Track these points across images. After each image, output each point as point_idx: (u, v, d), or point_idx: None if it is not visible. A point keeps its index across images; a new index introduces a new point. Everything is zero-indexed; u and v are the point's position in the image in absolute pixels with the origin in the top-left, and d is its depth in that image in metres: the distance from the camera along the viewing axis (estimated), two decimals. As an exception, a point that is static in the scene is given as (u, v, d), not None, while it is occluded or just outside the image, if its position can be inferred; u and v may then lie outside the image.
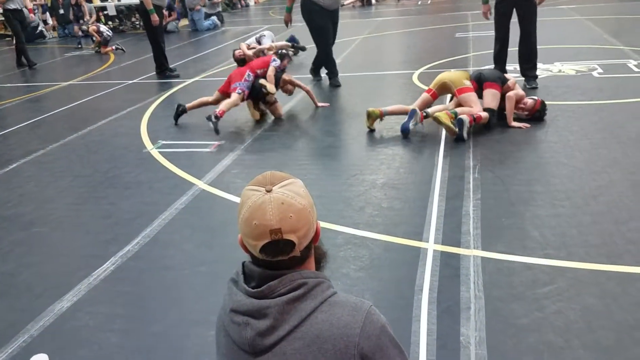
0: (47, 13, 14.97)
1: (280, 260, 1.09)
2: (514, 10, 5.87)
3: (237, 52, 7.72)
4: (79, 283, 2.92)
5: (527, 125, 4.71)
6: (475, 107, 4.68)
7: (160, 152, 4.88)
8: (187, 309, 2.66)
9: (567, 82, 5.94)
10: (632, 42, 7.58)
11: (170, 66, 8.30)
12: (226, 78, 5.71)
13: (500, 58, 6.14)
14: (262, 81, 5.44)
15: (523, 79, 5.99)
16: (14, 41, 10.13)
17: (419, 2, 15.15)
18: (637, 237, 2.88)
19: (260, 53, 7.80)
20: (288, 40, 8.39)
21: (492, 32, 6.28)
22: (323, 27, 6.59)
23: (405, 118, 4.80)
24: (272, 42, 8.20)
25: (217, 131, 5.21)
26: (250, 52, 7.49)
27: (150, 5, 7.64)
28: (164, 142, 5.16)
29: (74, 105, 6.98)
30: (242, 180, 4.15)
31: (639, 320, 2.28)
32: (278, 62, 5.61)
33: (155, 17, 7.67)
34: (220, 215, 3.67)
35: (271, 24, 13.41)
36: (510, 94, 4.75)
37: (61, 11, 13.63)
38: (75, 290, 2.86)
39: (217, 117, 5.21)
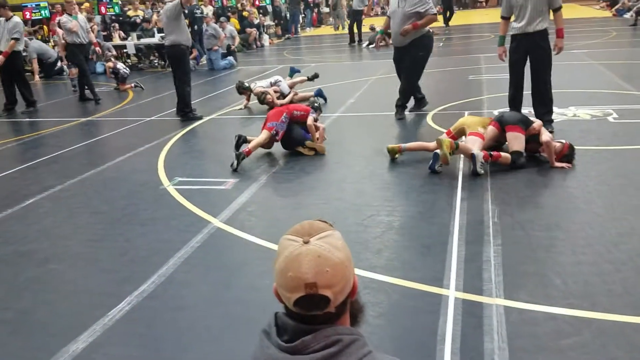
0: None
1: (314, 315, 1.06)
2: (528, 56, 5.93)
3: (267, 97, 8.00)
4: (94, 323, 2.89)
5: (570, 165, 4.71)
6: (474, 147, 4.75)
7: (176, 189, 4.90)
8: (202, 353, 2.62)
9: (583, 127, 5.94)
10: (646, 87, 7.61)
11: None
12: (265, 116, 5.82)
13: (514, 102, 6.17)
14: (308, 143, 5.67)
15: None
16: (78, 75, 10.19)
17: (441, 44, 15.37)
18: (663, 287, 2.82)
19: (280, 96, 8.13)
20: (316, 94, 8.47)
21: (506, 75, 6.33)
22: (393, 61, 7.18)
23: (424, 155, 4.97)
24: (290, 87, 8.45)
25: (236, 169, 5.22)
26: (278, 102, 7.98)
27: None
28: (181, 178, 5.19)
29: (91, 141, 7.07)
30: (257, 219, 4.15)
31: (669, 377, 2.21)
32: (315, 114, 5.81)
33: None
34: (236, 255, 3.65)
35: (285, 64, 13.64)
36: (545, 139, 4.76)
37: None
38: (90, 330, 2.83)
39: (244, 156, 5.27)
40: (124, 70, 11.23)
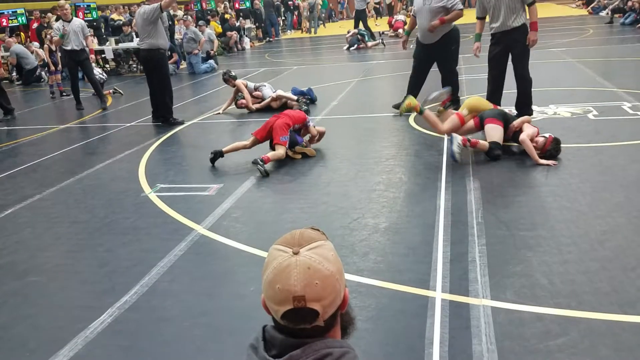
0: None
1: (303, 328, 1.03)
2: (508, 52, 5.97)
3: (240, 101, 8.09)
4: (75, 337, 2.81)
5: (554, 162, 4.71)
6: (444, 124, 5.19)
7: (158, 196, 4.83)
8: (188, 364, 2.56)
9: (564, 125, 5.98)
10: (623, 84, 7.70)
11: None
12: (262, 123, 5.70)
13: (493, 98, 6.20)
14: (297, 148, 5.65)
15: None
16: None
17: (411, 46, 15.42)
18: (648, 284, 2.83)
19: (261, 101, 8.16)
20: (306, 92, 8.40)
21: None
22: (414, 57, 7.30)
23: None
24: (273, 91, 8.31)
25: (267, 173, 5.18)
26: (253, 107, 8.17)
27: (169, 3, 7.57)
28: (162, 185, 5.11)
29: (70, 148, 6.95)
30: (242, 225, 4.09)
31: (658, 374, 2.21)
32: (312, 122, 5.87)
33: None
34: (220, 262, 3.60)
35: (267, 67, 13.59)
36: (522, 137, 4.83)
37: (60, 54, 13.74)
38: (71, 344, 2.76)
39: (263, 161, 5.20)
40: (101, 76, 11.07)
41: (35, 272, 3.64)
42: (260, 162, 5.17)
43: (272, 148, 5.52)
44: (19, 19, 16.04)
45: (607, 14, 17.17)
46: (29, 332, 2.94)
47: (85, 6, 16.76)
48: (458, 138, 4.91)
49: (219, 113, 8.33)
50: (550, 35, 13.95)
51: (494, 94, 6.19)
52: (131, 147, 6.65)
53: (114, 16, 17.35)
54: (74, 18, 9.75)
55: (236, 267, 3.50)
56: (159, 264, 3.54)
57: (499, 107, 5.24)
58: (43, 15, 16.48)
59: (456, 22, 6.93)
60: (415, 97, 6.96)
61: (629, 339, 2.43)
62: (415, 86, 7.22)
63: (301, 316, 1.01)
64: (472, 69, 9.82)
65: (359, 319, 2.72)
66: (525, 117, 5.23)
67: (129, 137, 7.31)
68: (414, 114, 6.99)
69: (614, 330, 2.50)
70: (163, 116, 7.82)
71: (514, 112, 6.10)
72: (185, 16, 14.86)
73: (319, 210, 4.26)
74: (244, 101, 8.23)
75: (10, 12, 15.86)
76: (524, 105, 6.10)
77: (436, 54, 7.00)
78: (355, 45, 15.94)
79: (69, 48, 9.29)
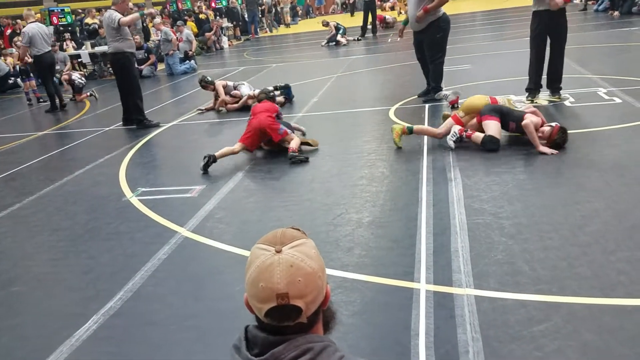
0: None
1: (286, 326, 1.04)
2: (547, 29, 6.32)
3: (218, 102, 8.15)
4: (61, 345, 2.79)
5: (555, 151, 4.70)
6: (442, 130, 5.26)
7: (140, 200, 4.79)
8: (176, 367, 2.56)
9: (542, 112, 6.02)
10: (599, 70, 7.81)
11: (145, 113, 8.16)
12: (246, 128, 5.61)
13: (535, 73, 6.51)
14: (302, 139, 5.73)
15: (548, 91, 6.58)
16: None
17: (389, 40, 15.48)
18: (627, 267, 2.88)
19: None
20: (286, 90, 8.39)
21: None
22: (413, 44, 7.43)
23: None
24: (252, 90, 8.28)
25: (307, 159, 5.33)
26: (229, 107, 8.21)
27: (132, 20, 7.66)
28: (144, 189, 5.07)
29: (49, 155, 6.86)
30: (226, 225, 4.09)
31: (638, 354, 2.26)
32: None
33: (149, 11, 7.77)
34: (205, 264, 3.59)
35: (246, 65, 13.54)
36: (525, 122, 4.84)
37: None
38: (57, 353, 2.73)
39: (295, 153, 5.33)
40: (80, 80, 10.95)
41: (19, 282, 3.60)
42: (296, 156, 5.30)
43: (273, 145, 5.65)
44: (-8, 25, 15.77)
45: (581, 1, 17.36)
46: (14, 342, 2.91)
47: (60, 10, 16.53)
48: (456, 127, 5.05)
49: (201, 110, 8.33)
50: (525, 24, 14.07)
51: (538, 71, 6.49)
52: (111, 151, 6.59)
53: (88, 20, 17.15)
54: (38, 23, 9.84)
55: (221, 267, 3.50)
56: (143, 269, 3.52)
57: (497, 101, 5.27)
58: (14, 22, 16.23)
59: (450, 13, 7.06)
60: (427, 80, 7.29)
61: (611, 322, 2.48)
62: (424, 71, 7.41)
63: (285, 313, 1.02)
64: (451, 61, 9.88)
65: (345, 314, 2.75)
66: (532, 109, 5.23)
67: (108, 141, 7.24)
68: (394, 107, 7.04)
69: (595, 314, 2.55)
70: (137, 119, 7.79)
71: (516, 98, 6.10)
72: (157, 18, 14.76)
73: (302, 207, 4.27)
74: (218, 102, 8.26)
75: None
76: (558, 82, 6.50)
77: (423, 40, 7.11)
78: (334, 42, 15.95)
79: (34, 53, 9.40)
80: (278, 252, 1.03)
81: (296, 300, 1.01)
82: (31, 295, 3.43)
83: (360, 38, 16.34)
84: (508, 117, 5.06)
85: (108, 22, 7.49)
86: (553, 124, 4.89)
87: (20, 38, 12.33)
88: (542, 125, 4.91)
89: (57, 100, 9.85)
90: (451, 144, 5.04)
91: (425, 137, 5.51)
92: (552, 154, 4.68)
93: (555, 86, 6.53)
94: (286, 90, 8.26)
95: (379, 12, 19.43)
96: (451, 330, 2.52)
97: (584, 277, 2.84)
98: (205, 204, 4.51)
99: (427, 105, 6.93)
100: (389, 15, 19.75)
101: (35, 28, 9.47)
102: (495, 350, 2.37)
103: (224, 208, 4.42)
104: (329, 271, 3.18)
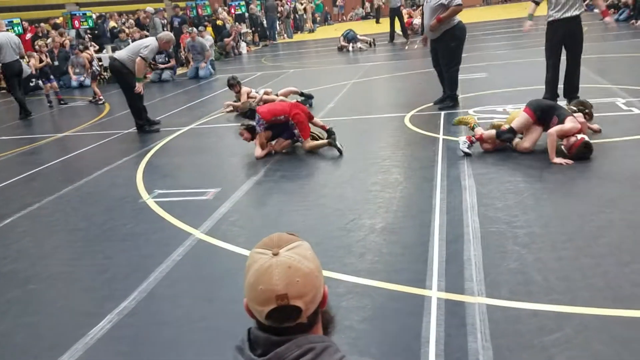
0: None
1: (287, 327, 1.06)
2: (564, 38, 6.30)
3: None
4: (76, 343, 2.84)
5: (570, 161, 4.61)
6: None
7: (156, 202, 4.86)
8: (187, 368, 2.59)
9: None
10: (617, 80, 7.74)
11: (156, 119, 8.22)
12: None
13: (552, 83, 6.52)
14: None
15: (565, 100, 6.44)
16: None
17: (406, 47, 15.48)
18: (641, 279, 2.86)
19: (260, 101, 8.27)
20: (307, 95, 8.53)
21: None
22: (430, 51, 7.44)
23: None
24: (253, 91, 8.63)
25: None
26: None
27: (140, 74, 7.67)
28: (160, 191, 5.14)
29: (69, 156, 6.98)
30: (240, 229, 4.12)
31: (651, 367, 2.24)
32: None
33: (139, 88, 7.62)
34: (218, 266, 3.62)
35: (264, 71, 13.63)
36: (551, 131, 4.75)
37: (56, 63, 13.78)
38: (71, 350, 2.78)
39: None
40: (96, 67, 11.21)
41: (36, 280, 3.67)
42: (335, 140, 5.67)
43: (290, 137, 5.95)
44: (15, 28, 16.07)
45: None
46: (30, 340, 2.97)
47: (82, 14, 16.80)
48: (462, 138, 5.04)
49: (226, 110, 8.54)
50: (541, 33, 13.96)
51: (554, 78, 6.50)
52: (129, 154, 6.68)
53: (112, 24, 17.45)
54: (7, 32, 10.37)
55: (235, 270, 3.53)
56: (157, 270, 3.56)
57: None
58: (37, 25, 16.54)
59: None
60: (443, 87, 7.28)
61: (622, 334, 2.46)
62: (441, 78, 7.41)
63: (285, 314, 1.04)
64: (467, 69, 9.86)
65: (356, 320, 2.76)
66: (578, 116, 5.06)
67: (126, 144, 7.34)
68: (409, 114, 7.04)
69: (607, 325, 2.53)
70: (137, 123, 7.90)
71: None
72: (190, 28, 14.96)
73: (316, 212, 4.29)
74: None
75: (7, 22, 15.89)
76: (576, 92, 6.48)
77: (438, 48, 7.12)
78: (352, 47, 16.03)
79: (7, 61, 9.78)
80: (275, 254, 1.06)
81: (296, 300, 1.03)
82: (47, 293, 3.50)
83: (370, 44, 16.34)
84: (553, 111, 4.90)
85: (142, 44, 7.61)
86: (580, 136, 4.72)
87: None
88: (574, 134, 4.73)
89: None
90: (467, 150, 5.04)
91: (440, 144, 5.52)
92: (566, 164, 4.60)
93: (572, 96, 6.49)
94: (308, 100, 8.36)
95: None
96: (462, 339, 2.52)
97: (597, 288, 2.82)
98: (220, 206, 4.56)
99: (442, 113, 6.92)
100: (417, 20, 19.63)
101: (4, 37, 9.89)
102: (506, 359, 2.36)
103: (238, 211, 4.46)
104: (340, 276, 3.21)
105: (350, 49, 15.98)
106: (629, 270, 2.95)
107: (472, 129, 5.25)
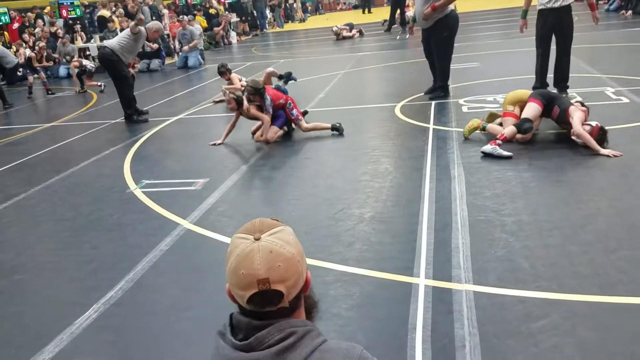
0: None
1: (268, 311, 1.06)
2: (554, 27, 6.33)
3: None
4: (61, 333, 2.81)
5: (618, 153, 4.42)
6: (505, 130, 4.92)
7: (143, 192, 4.82)
8: (174, 359, 2.57)
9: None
10: (607, 69, 7.76)
11: (144, 108, 8.14)
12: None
13: (541, 72, 6.57)
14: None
15: (555, 89, 6.44)
16: None
17: (398, 37, 15.44)
18: (627, 266, 2.87)
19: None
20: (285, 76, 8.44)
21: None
22: (422, 41, 7.34)
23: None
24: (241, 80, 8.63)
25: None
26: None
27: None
28: (148, 181, 5.10)
29: (56, 146, 6.90)
30: (229, 219, 4.10)
31: (635, 353, 2.25)
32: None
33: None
34: (206, 256, 3.60)
35: (254, 60, 13.55)
36: (579, 130, 4.57)
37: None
38: (56, 340, 2.76)
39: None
40: (91, 65, 11.02)
41: (21, 270, 3.63)
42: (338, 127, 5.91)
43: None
44: (2, 18, 15.86)
45: (593, 0, 17.21)
46: (15, 330, 2.94)
47: (69, 3, 16.60)
48: (488, 147, 4.74)
49: (215, 101, 8.51)
50: (532, 23, 13.97)
51: (543, 68, 6.54)
52: (116, 144, 6.62)
53: (102, 12, 17.20)
54: None
55: (222, 260, 3.44)
56: (144, 260, 3.54)
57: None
58: (23, 15, 16.32)
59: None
60: (434, 77, 7.21)
61: (609, 320, 2.47)
62: (432, 68, 7.35)
63: (267, 298, 1.04)
64: (457, 59, 9.84)
65: (344, 307, 2.75)
66: (578, 99, 5.11)
67: (114, 133, 7.27)
68: (400, 104, 7.02)
69: (593, 312, 2.54)
70: (125, 112, 7.82)
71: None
72: (181, 16, 14.85)
73: (305, 202, 4.28)
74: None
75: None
76: (565, 82, 6.49)
77: (430, 38, 7.07)
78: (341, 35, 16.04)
79: None
80: (257, 239, 1.05)
81: (277, 284, 1.02)
82: (33, 283, 3.46)
83: (361, 33, 16.31)
84: (555, 102, 4.93)
85: (132, 32, 7.52)
86: (593, 123, 4.66)
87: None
88: (583, 123, 4.69)
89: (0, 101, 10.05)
90: (506, 154, 4.71)
91: (431, 134, 5.51)
92: (614, 155, 4.41)
93: (561, 85, 6.51)
94: (289, 78, 8.28)
95: None
96: (449, 325, 2.52)
97: (584, 275, 2.83)
98: (209, 197, 4.53)
99: (433, 103, 6.91)
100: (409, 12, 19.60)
101: None
102: (493, 345, 2.37)
103: (227, 201, 4.43)
104: (329, 265, 3.20)
105: (351, 33, 15.99)
106: (615, 257, 2.96)
107: (483, 129, 5.17)
